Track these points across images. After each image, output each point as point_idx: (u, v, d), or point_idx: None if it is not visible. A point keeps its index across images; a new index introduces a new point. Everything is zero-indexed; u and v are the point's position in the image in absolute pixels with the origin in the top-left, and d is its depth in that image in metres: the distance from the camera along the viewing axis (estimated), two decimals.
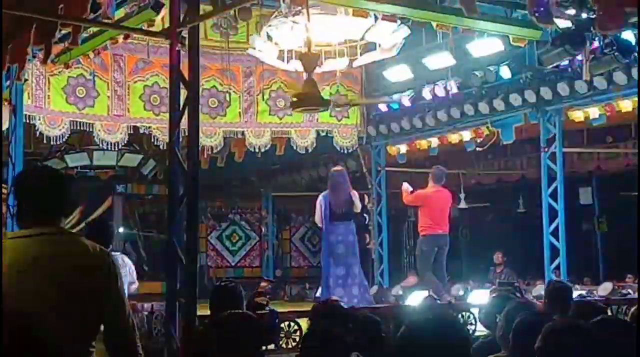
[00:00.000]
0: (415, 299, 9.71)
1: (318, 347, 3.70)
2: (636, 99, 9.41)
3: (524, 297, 8.14)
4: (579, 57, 8.84)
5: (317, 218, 9.75)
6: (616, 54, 8.49)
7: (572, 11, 7.45)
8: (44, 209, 2.92)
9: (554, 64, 9.05)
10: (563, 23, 7.95)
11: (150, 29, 7.92)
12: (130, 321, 2.95)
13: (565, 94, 10.07)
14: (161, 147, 11.41)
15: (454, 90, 11.09)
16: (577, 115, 10.34)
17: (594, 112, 10.16)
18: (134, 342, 2.95)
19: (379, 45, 9.12)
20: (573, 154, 12.23)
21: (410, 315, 5.93)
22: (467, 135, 11.77)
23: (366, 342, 4.42)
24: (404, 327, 2.52)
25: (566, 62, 9.32)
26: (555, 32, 8.23)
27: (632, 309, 7.40)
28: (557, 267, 10.38)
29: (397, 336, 2.52)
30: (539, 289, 9.98)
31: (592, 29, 7.73)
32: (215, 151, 12.32)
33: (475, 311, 8.54)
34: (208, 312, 5.39)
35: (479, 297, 9.33)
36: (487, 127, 11.38)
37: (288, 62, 9.85)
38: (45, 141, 10.88)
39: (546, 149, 10.64)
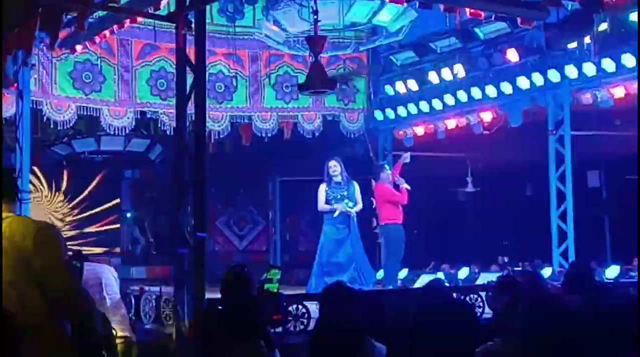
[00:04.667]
0: (423, 282, 9.75)
1: (332, 331, 3.69)
2: None
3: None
4: (587, 39, 8.78)
5: (322, 205, 10.41)
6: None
7: None
8: None
9: (562, 46, 9.00)
10: (571, 5, 7.91)
11: (157, 12, 7.90)
12: (69, 289, 3.03)
13: (573, 76, 10.01)
14: (168, 132, 11.40)
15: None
16: (586, 97, 10.27)
17: (602, 94, 10.09)
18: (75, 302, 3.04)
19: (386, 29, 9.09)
20: (581, 137, 12.16)
21: (417, 298, 5.95)
22: (474, 118, 11.71)
23: (376, 326, 4.42)
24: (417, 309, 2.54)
25: (574, 44, 9.25)
26: (563, 13, 8.18)
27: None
28: (565, 251, 10.37)
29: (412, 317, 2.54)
30: (547, 272, 9.96)
31: (599, 10, 7.68)
32: (222, 136, 12.31)
33: (483, 294, 8.55)
34: (216, 296, 5.41)
35: (486, 281, 9.33)
36: (495, 111, 11.33)
37: (294, 46, 9.84)
38: (52, 126, 10.88)
39: (554, 132, 10.59)
